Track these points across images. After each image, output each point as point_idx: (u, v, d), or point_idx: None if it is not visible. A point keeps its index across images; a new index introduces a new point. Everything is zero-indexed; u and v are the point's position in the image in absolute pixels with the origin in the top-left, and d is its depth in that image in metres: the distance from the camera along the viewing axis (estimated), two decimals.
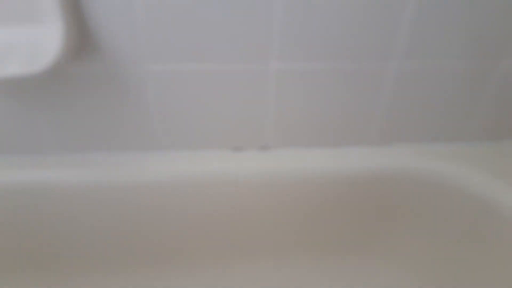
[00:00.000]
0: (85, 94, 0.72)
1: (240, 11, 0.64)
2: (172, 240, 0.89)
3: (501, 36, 0.70)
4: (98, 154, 0.82)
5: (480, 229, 0.80)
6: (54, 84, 0.70)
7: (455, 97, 0.79)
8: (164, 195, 0.81)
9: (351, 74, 0.72)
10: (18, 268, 0.90)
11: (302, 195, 0.84)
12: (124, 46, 0.66)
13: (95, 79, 0.70)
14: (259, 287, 0.93)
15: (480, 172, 0.80)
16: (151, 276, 0.93)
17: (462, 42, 0.70)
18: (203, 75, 0.70)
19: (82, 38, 0.64)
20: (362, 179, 0.83)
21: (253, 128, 0.80)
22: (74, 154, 0.81)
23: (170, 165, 0.80)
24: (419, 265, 0.93)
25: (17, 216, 0.81)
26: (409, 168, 0.83)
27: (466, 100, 0.79)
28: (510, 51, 0.72)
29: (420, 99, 0.78)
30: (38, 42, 0.59)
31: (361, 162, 0.82)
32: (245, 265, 0.95)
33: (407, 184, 0.84)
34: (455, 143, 0.87)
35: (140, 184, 0.79)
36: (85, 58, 0.67)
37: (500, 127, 0.85)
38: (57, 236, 0.85)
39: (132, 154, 0.82)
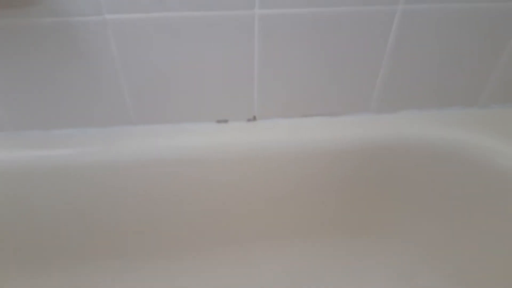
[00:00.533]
0: (34, 54, 0.62)
1: None
2: (158, 220, 0.79)
3: None
4: (63, 131, 0.73)
5: (493, 201, 0.70)
6: None
7: (467, 55, 0.70)
8: (145, 173, 0.72)
9: (346, 22, 0.63)
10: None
11: (295, 168, 0.74)
12: None
13: (45, 35, 0.60)
14: (249, 270, 0.83)
15: (494, 139, 0.70)
16: (133, 259, 0.84)
17: None
18: (178, 26, 0.61)
19: None
20: (361, 150, 0.73)
21: (238, 97, 0.71)
22: (30, 132, 0.72)
23: (147, 141, 0.71)
24: (424, 243, 0.83)
25: None
26: (415, 137, 0.74)
27: (480, 59, 0.70)
28: None
29: (427, 55, 0.69)
30: None
31: (360, 131, 0.73)
32: (234, 246, 0.85)
33: (413, 155, 0.75)
34: (465, 109, 0.77)
35: (118, 162, 0.71)
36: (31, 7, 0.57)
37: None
38: (20, 217, 0.75)
39: (102, 130, 0.73)
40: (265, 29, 0.62)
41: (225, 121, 0.75)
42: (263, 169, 0.74)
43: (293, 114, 0.75)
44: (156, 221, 0.79)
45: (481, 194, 0.72)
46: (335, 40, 0.65)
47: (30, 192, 0.72)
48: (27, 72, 0.64)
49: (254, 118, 0.75)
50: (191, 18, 0.60)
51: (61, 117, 0.71)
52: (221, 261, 0.86)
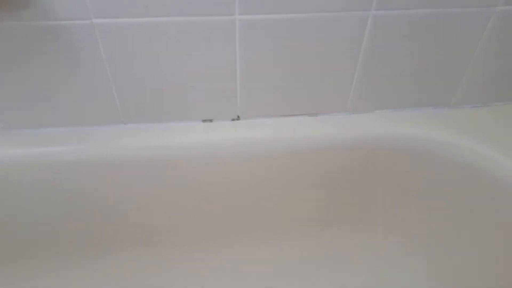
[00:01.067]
0: (24, 55, 0.65)
1: None
2: (147, 216, 0.82)
3: None
4: (53, 130, 0.76)
5: (467, 195, 0.75)
6: None
7: (439, 58, 0.74)
8: (133, 170, 0.75)
9: (322, 27, 0.67)
10: None
11: (277, 165, 0.78)
12: None
13: (35, 37, 0.63)
14: (238, 264, 0.86)
15: (466, 137, 0.75)
16: (124, 254, 0.86)
17: None
18: (163, 31, 0.65)
19: None
20: (340, 148, 0.77)
21: (222, 98, 0.75)
22: (21, 130, 0.75)
23: (135, 140, 0.74)
24: (407, 234, 0.87)
25: None
26: (391, 135, 0.78)
27: (451, 61, 0.75)
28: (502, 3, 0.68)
29: (401, 58, 0.73)
30: None
31: (341, 130, 0.77)
32: (222, 241, 0.88)
33: (390, 152, 0.79)
34: (439, 109, 0.82)
35: (107, 160, 0.74)
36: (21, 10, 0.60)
37: (487, 91, 0.80)
38: (10, 214, 0.78)
39: (92, 129, 0.76)
40: (245, 34, 0.66)
41: (210, 120, 0.78)
42: (246, 166, 0.77)
43: (275, 114, 0.78)
44: (145, 218, 0.82)
45: (456, 190, 0.76)
46: (313, 44, 0.69)
47: (20, 189, 0.75)
48: (18, 72, 0.67)
49: (238, 118, 0.78)
50: (175, 23, 0.63)
51: (51, 116, 0.74)
52: (211, 254, 0.89)
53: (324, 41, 0.69)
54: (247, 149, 0.76)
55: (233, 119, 0.78)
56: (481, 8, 0.68)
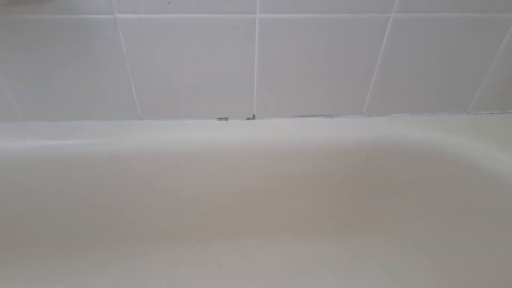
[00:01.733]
0: (46, 48, 0.66)
1: None
2: (159, 210, 0.83)
3: None
4: (70, 123, 0.77)
5: (481, 201, 0.73)
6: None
7: (458, 63, 0.73)
8: (148, 165, 0.76)
9: (342, 28, 0.67)
10: None
11: (290, 166, 0.78)
12: None
13: (59, 30, 0.64)
14: (244, 262, 0.86)
15: (483, 143, 0.74)
16: (131, 250, 0.87)
17: None
18: (183, 27, 0.65)
19: None
20: (354, 150, 0.77)
21: (238, 97, 0.75)
22: (39, 122, 0.76)
23: (151, 135, 0.75)
24: (415, 239, 0.86)
25: None
26: (407, 139, 0.77)
27: (470, 67, 0.74)
28: None
29: (419, 62, 0.73)
30: None
31: (353, 133, 0.77)
32: (232, 240, 0.88)
33: (405, 156, 0.78)
34: (456, 114, 0.81)
35: (123, 154, 0.74)
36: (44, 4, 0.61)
37: (505, 98, 0.80)
38: (25, 204, 0.79)
39: (109, 123, 0.76)
40: (265, 33, 0.66)
41: (226, 119, 0.78)
42: (259, 165, 0.77)
43: (290, 114, 0.78)
44: (157, 211, 0.83)
45: (468, 194, 0.76)
46: (331, 45, 0.69)
47: (33, 180, 0.76)
48: (40, 65, 0.68)
49: (253, 117, 0.78)
50: (196, 20, 0.64)
51: (69, 109, 0.75)
52: (218, 252, 0.88)
53: (343, 43, 0.69)
54: (261, 149, 0.76)
55: (248, 118, 0.78)
56: (501, 14, 0.67)
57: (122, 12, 0.62)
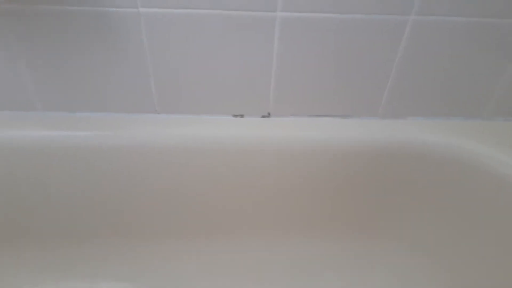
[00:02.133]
0: (67, 40, 0.67)
1: None
2: (169, 203, 0.83)
3: None
4: (91, 114, 0.78)
5: (494, 206, 0.73)
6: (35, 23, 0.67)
7: (474, 68, 0.74)
8: (162, 158, 0.76)
9: (360, 29, 0.68)
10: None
11: (303, 164, 0.78)
12: None
13: (81, 22, 0.65)
14: (248, 259, 0.86)
15: (497, 149, 0.74)
16: (140, 238, 0.88)
17: None
18: (204, 23, 0.66)
19: None
20: (367, 152, 0.77)
21: (255, 94, 0.76)
22: (58, 113, 0.77)
23: (167, 129, 0.76)
24: (426, 243, 0.86)
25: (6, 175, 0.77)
26: (420, 143, 0.77)
27: (486, 72, 0.74)
28: None
29: (436, 66, 0.73)
30: None
31: (368, 134, 0.77)
32: (236, 237, 0.89)
33: (417, 159, 0.78)
34: (471, 119, 0.81)
35: (139, 147, 0.75)
36: None
37: None
38: (39, 192, 0.80)
39: (126, 116, 0.78)
40: (285, 31, 0.67)
41: (241, 115, 0.79)
42: (273, 162, 0.78)
43: (305, 113, 0.79)
44: (168, 204, 0.83)
45: (480, 200, 0.75)
46: (349, 46, 0.69)
47: (49, 169, 0.77)
48: (60, 56, 0.69)
49: (269, 115, 0.79)
50: (216, 16, 0.65)
51: (88, 101, 0.76)
52: (223, 247, 0.89)
53: (361, 44, 0.69)
54: (273, 147, 0.77)
55: (263, 116, 0.79)
56: None
57: (146, 6, 0.63)
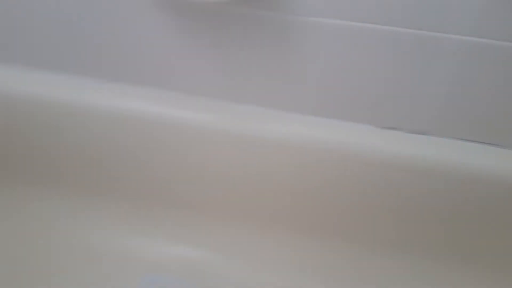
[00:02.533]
0: (247, 40, 0.71)
1: None
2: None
3: None
4: (245, 107, 0.81)
5: None
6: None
7: None
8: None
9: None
10: None
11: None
12: None
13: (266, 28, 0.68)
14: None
15: None
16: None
17: None
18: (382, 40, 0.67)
19: None
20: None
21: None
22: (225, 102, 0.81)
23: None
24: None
25: None
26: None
27: None
28: None
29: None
30: None
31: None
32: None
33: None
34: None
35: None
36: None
37: None
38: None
39: (277, 112, 0.80)
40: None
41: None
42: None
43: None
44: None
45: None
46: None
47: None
48: (242, 56, 0.74)
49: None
50: (395, 34, 0.67)
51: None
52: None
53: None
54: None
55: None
56: None
57: (330, 16, 0.65)
